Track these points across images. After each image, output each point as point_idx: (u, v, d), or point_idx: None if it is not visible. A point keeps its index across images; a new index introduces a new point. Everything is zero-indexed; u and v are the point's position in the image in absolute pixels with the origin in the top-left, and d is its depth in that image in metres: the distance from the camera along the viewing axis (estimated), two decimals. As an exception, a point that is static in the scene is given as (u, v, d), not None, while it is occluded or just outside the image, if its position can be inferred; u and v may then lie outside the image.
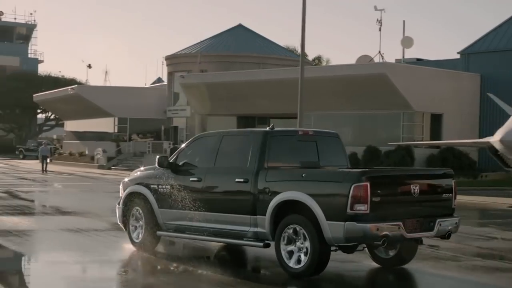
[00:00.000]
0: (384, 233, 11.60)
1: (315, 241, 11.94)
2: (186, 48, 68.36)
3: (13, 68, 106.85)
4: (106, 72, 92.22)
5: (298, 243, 12.30)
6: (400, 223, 11.91)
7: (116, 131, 70.11)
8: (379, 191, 11.74)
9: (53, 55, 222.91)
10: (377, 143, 45.84)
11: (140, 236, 14.87)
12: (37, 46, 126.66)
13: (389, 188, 12.34)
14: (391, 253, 13.50)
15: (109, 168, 59.65)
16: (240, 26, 69.97)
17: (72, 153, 74.69)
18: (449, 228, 12.87)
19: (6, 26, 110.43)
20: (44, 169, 53.94)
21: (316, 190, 12.19)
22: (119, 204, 15.60)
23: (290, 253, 12.42)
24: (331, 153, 14.55)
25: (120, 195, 15.75)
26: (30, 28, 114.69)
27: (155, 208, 14.46)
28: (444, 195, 13.07)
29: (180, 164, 14.41)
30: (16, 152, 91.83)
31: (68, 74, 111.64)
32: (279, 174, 13.12)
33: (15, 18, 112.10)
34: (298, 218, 12.28)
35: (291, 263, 12.38)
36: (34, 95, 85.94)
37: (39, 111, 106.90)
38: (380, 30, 55.26)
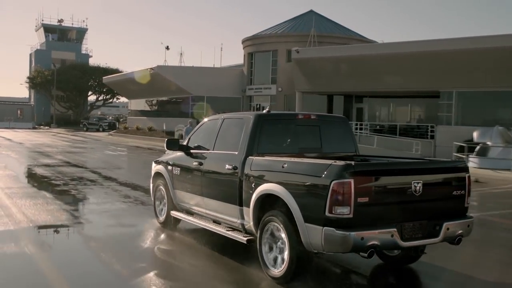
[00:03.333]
0: (371, 243, 5.38)
1: (294, 243, 5.84)
2: (266, 30, 44.09)
3: (71, 61, 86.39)
4: (181, 54, 68.02)
5: (278, 243, 6.16)
6: (394, 229, 5.55)
7: (191, 109, 44.67)
8: (367, 190, 5.45)
9: (101, 50, 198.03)
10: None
11: (163, 213, 8.97)
12: (88, 45, 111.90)
13: (381, 186, 5.62)
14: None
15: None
16: (311, 11, 46.12)
17: (140, 128, 51.35)
18: (459, 232, 6.06)
19: (65, 30, 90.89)
20: None
21: (295, 185, 5.89)
22: (151, 181, 9.52)
23: (271, 254, 6.26)
24: (337, 140, 7.64)
25: (152, 172, 9.43)
26: (83, 31, 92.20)
27: (170, 189, 8.67)
28: (455, 192, 6.12)
29: (189, 146, 8.29)
30: (80, 125, 69.03)
31: (113, 65, 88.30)
32: (262, 163, 6.56)
33: (72, 24, 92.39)
34: (278, 215, 6.05)
35: (271, 266, 6.23)
36: (104, 77, 63.55)
37: (90, 93, 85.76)
38: None
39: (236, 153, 6.92)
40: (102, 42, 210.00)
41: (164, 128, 43.14)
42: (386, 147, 28.35)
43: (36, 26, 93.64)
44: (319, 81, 33.06)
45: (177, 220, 8.79)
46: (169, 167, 8.71)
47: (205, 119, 8.43)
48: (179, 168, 8.38)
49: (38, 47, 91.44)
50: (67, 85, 77.47)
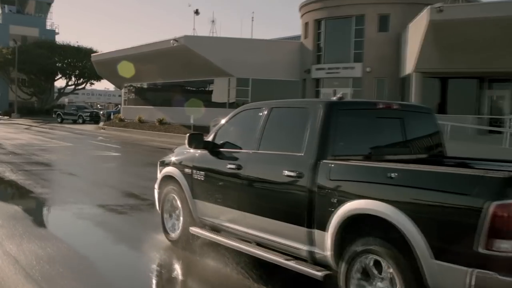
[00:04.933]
0: None
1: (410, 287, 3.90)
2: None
3: (33, 38, 72.08)
4: (213, 21, 54.17)
5: (378, 284, 4.29)
6: None
7: (233, 95, 33.41)
8: None
9: (68, 27, 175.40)
10: None
11: (176, 229, 6.97)
12: (53, 20, 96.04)
13: None
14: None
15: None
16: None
17: (144, 120, 40.28)
18: None
19: (25, 1, 76.33)
20: None
21: (415, 204, 3.98)
22: (156, 186, 7.49)
23: None
24: (422, 136, 5.88)
25: (158, 175, 7.52)
26: (47, 3, 78.18)
27: (189, 198, 6.65)
28: None
29: (218, 144, 6.40)
30: (53, 116, 55.93)
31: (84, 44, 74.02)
32: (350, 170, 4.74)
33: (35, -7, 78.61)
34: (382, 245, 4.22)
35: None
36: (93, 55, 49.62)
37: (58, 77, 71.66)
38: None
39: (301, 154, 5.09)
40: (70, 18, 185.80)
41: (192, 121, 31.89)
42: None
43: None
44: (462, 57, 22.57)
45: (195, 238, 6.80)
46: (187, 170, 6.69)
47: (239, 109, 6.38)
48: (203, 172, 6.42)
49: (-7, 20, 78.35)
50: (31, 66, 63.64)
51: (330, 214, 4.64)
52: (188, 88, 38.49)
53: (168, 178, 7.10)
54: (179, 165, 6.93)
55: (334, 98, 5.31)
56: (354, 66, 30.53)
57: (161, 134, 35.38)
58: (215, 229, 6.43)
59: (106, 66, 44.82)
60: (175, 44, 32.57)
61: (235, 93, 33.63)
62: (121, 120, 44.76)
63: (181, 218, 6.84)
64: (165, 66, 36.05)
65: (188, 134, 6.62)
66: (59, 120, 53.79)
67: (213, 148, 6.38)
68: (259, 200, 5.56)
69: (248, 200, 5.68)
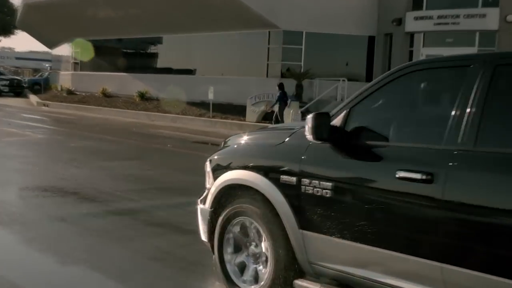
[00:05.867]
0: None
1: None
2: None
3: None
4: None
5: None
6: None
7: (276, 58, 22.97)
8: None
9: None
10: None
11: (254, 279, 3.81)
12: None
13: None
14: None
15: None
16: None
17: (110, 94, 29.93)
18: None
19: None
20: None
21: None
22: (203, 202, 4.16)
23: None
24: None
25: (206, 184, 4.15)
26: None
27: (291, 227, 3.49)
28: None
29: (354, 133, 3.28)
30: (-40, 87, 42.41)
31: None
32: None
33: None
34: None
35: None
36: None
37: None
38: None
39: None
40: None
41: (210, 97, 21.28)
42: None
43: None
44: None
45: None
46: (286, 178, 3.70)
47: (404, 68, 3.37)
48: (328, 183, 3.48)
49: None
50: None
51: None
52: (194, 44, 26.92)
53: (235, 189, 4.05)
54: (261, 167, 3.88)
55: None
56: (486, 12, 20.71)
57: (154, 116, 24.35)
58: (347, 284, 3.57)
59: (49, 12, 31.69)
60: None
61: (280, 54, 23.02)
62: (70, 92, 32.60)
63: (270, 262, 3.83)
64: (159, 12, 24.36)
65: (312, 115, 3.46)
66: (-30, 93, 40.25)
67: (348, 140, 3.43)
68: (488, 246, 2.80)
69: (455, 243, 2.97)
